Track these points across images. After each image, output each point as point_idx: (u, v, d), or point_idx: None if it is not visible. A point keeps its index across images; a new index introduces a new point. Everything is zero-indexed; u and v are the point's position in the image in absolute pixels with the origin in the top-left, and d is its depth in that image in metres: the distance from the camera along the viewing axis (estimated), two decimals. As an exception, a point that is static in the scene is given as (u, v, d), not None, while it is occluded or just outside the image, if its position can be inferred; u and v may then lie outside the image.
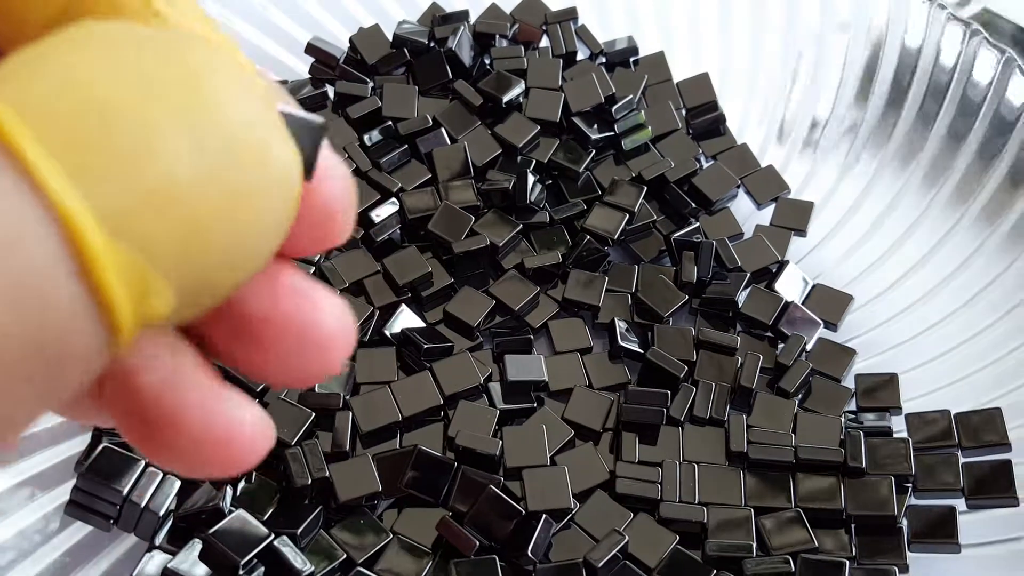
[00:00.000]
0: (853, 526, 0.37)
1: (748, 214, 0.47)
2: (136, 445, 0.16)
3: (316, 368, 0.16)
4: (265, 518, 0.36)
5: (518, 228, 0.44)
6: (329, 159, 0.16)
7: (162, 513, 0.35)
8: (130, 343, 0.13)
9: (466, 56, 0.48)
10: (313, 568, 0.35)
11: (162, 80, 0.13)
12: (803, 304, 0.42)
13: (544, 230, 0.44)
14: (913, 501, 0.37)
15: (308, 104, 0.48)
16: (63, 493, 0.36)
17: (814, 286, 0.43)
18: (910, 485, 0.37)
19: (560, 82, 0.47)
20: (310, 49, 0.49)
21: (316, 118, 0.15)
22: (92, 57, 0.13)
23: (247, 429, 0.15)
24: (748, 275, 0.43)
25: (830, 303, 0.43)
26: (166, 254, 0.13)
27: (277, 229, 0.15)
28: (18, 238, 0.12)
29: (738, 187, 0.46)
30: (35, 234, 0.12)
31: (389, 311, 0.41)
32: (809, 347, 0.41)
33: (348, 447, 0.38)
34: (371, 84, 0.48)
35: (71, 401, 0.16)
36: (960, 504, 0.37)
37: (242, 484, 0.37)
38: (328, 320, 0.16)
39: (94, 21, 0.14)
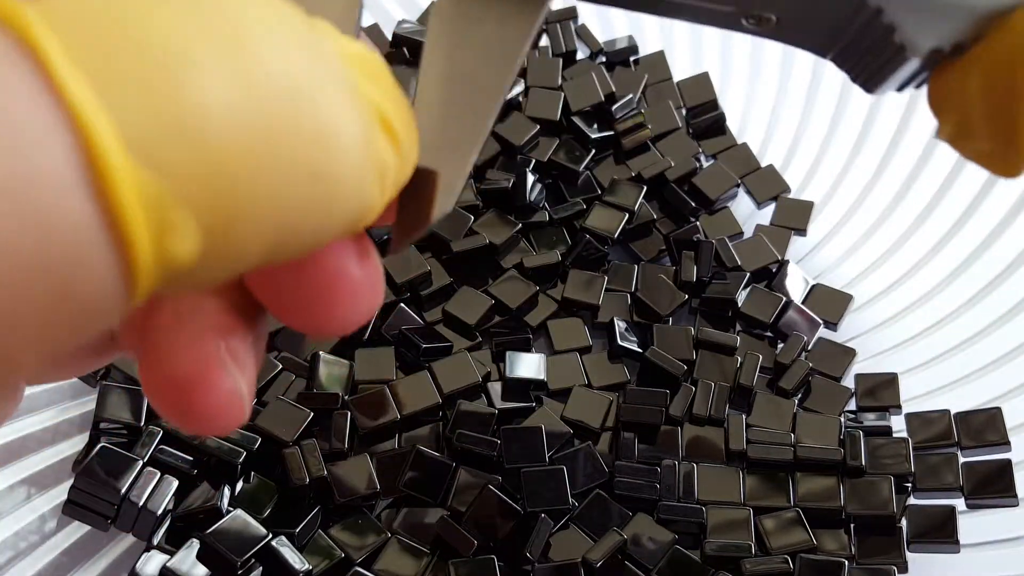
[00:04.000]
0: (852, 526, 0.37)
1: (748, 214, 0.47)
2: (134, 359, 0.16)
3: (342, 316, 0.16)
4: (263, 517, 0.36)
5: (517, 227, 0.44)
6: None
7: (160, 513, 0.35)
8: (149, 288, 0.12)
9: (465, 55, 0.48)
10: (311, 567, 0.35)
11: (211, 15, 0.12)
12: (803, 304, 0.42)
13: (543, 229, 0.44)
14: (913, 501, 0.37)
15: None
16: (61, 493, 0.36)
17: (814, 286, 0.43)
18: (910, 485, 0.37)
19: (560, 81, 0.47)
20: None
21: None
22: None
23: (224, 397, 0.15)
24: (748, 275, 0.43)
25: (830, 303, 0.43)
26: (192, 190, 0.12)
27: (328, 205, 0.14)
28: (29, 141, 0.11)
29: (738, 186, 0.46)
30: (49, 140, 0.11)
31: (388, 310, 0.41)
32: (809, 347, 0.41)
33: (346, 447, 0.37)
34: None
35: (81, 354, 0.17)
36: (960, 504, 0.37)
37: (240, 484, 0.37)
38: (356, 267, 0.16)
39: None
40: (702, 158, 0.47)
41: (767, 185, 0.46)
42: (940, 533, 0.36)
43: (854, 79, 0.22)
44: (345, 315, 0.16)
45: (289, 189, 0.13)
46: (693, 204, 0.45)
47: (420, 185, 0.17)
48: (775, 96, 0.50)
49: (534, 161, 0.45)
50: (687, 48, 0.51)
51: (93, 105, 0.11)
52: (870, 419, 0.39)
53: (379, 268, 0.17)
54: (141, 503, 0.35)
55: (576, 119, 0.46)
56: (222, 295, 0.16)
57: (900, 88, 0.22)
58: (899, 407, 0.40)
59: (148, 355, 0.15)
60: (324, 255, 0.16)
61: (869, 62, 0.21)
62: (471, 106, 0.18)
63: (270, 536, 0.35)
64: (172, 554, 0.34)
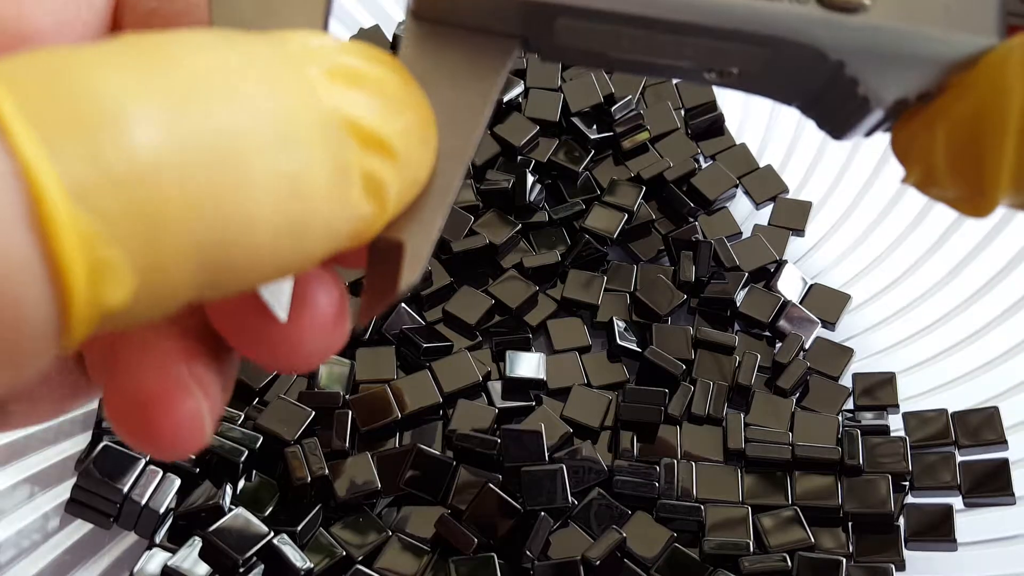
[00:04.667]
0: (850, 524, 0.37)
1: (747, 214, 0.47)
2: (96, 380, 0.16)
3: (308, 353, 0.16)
4: (265, 516, 0.36)
5: (517, 228, 0.44)
6: None
7: (162, 511, 0.36)
8: (84, 322, 0.13)
9: (465, 56, 0.48)
10: (312, 566, 0.35)
11: (155, 68, 0.13)
12: (801, 303, 0.43)
13: (543, 230, 0.45)
14: (910, 499, 0.38)
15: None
16: (63, 491, 0.36)
17: (812, 285, 0.44)
18: (907, 483, 0.38)
19: (559, 82, 0.47)
20: (310, 49, 0.49)
21: None
22: (94, 49, 0.13)
23: (184, 419, 0.16)
24: (746, 274, 0.43)
25: (828, 302, 0.43)
26: (126, 233, 0.13)
27: (287, 240, 0.14)
28: None
29: (736, 187, 0.46)
30: None
31: (388, 310, 0.41)
32: (807, 346, 0.42)
33: (347, 445, 0.38)
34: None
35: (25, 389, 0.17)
36: (957, 502, 0.37)
37: (242, 482, 0.37)
38: (319, 307, 0.16)
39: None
40: (701, 159, 0.47)
41: (765, 185, 0.46)
42: (938, 531, 0.36)
43: (820, 126, 0.22)
44: (303, 350, 0.16)
45: (227, 230, 0.13)
46: (692, 204, 0.45)
47: (386, 256, 0.17)
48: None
49: (534, 162, 0.45)
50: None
51: (38, 152, 0.12)
52: (868, 418, 0.40)
53: (345, 303, 0.17)
54: (143, 501, 0.35)
55: (575, 120, 0.46)
56: (187, 321, 0.16)
57: (868, 134, 0.22)
58: (897, 406, 0.40)
59: (112, 378, 0.16)
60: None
61: (834, 112, 0.21)
62: (435, 174, 0.18)
63: (271, 534, 0.35)
64: (174, 552, 0.34)
